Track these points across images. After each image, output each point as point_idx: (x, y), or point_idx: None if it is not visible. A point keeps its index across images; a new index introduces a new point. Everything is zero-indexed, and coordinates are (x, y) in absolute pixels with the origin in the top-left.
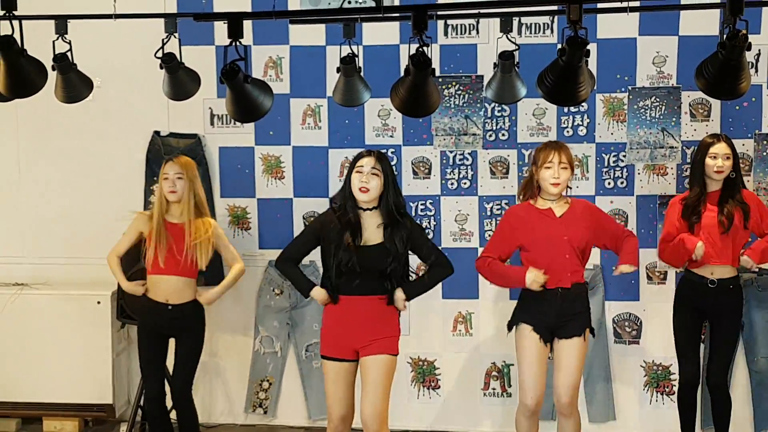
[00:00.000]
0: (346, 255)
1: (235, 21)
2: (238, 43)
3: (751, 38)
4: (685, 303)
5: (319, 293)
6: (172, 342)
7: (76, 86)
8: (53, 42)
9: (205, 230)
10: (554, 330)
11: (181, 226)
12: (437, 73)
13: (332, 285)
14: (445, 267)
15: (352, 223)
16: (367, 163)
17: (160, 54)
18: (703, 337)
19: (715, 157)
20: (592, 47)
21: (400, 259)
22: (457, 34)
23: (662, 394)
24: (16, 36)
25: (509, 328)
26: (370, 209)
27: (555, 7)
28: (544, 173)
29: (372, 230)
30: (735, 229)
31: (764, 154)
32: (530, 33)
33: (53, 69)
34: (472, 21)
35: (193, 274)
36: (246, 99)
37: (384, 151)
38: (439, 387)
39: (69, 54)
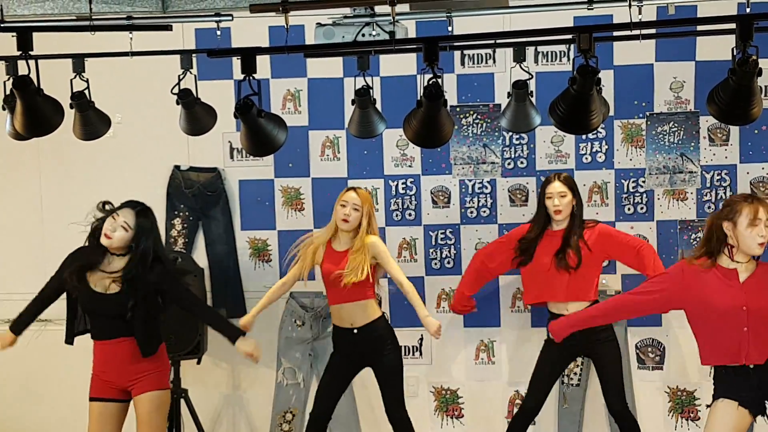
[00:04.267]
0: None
1: (248, 56)
2: (251, 78)
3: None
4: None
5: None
6: None
7: (94, 123)
8: (71, 80)
9: (361, 247)
10: (760, 406)
11: (345, 253)
12: (455, 102)
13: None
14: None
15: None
16: (121, 214)
17: (176, 90)
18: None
19: (550, 197)
20: (609, 74)
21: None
22: (473, 63)
23: (687, 419)
24: (33, 76)
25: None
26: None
27: (567, 36)
28: (751, 231)
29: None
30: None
31: None
32: (547, 61)
33: (71, 107)
34: (489, 50)
35: (364, 295)
36: (260, 133)
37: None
38: (462, 416)
39: (87, 92)
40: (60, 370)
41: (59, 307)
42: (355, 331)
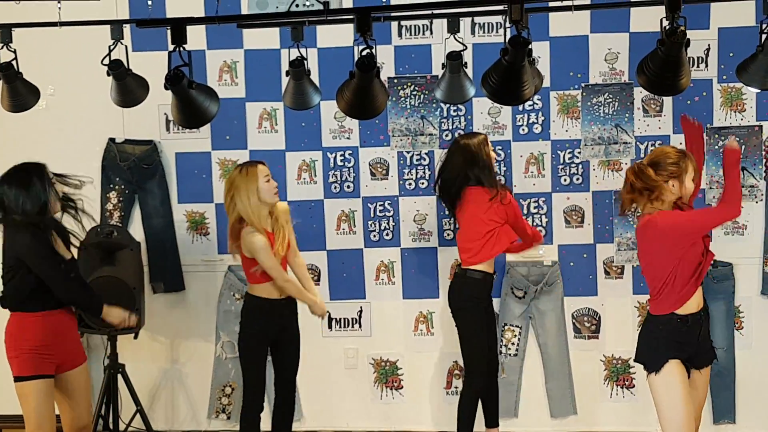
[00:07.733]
0: None
1: (178, 27)
2: (182, 49)
3: (700, 34)
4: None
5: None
6: None
7: (22, 95)
8: None
9: (282, 217)
10: (693, 360)
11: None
12: (393, 74)
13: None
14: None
15: None
16: None
17: (107, 61)
18: None
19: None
20: (545, 45)
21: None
22: (411, 35)
23: (622, 387)
24: None
25: (652, 370)
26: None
27: (500, 7)
28: (690, 184)
29: None
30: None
31: (716, 147)
32: (483, 32)
33: None
34: (426, 22)
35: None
36: (191, 104)
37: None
38: (402, 387)
39: (15, 63)
40: None
41: None
42: (283, 301)
